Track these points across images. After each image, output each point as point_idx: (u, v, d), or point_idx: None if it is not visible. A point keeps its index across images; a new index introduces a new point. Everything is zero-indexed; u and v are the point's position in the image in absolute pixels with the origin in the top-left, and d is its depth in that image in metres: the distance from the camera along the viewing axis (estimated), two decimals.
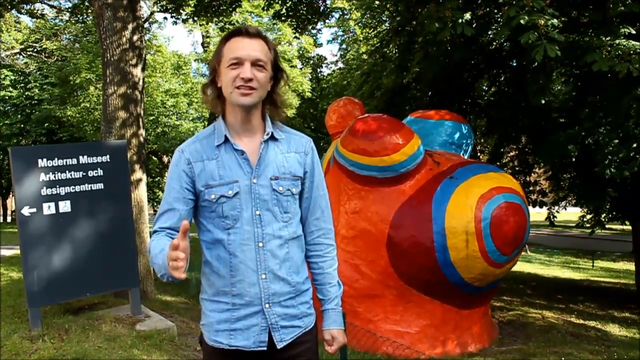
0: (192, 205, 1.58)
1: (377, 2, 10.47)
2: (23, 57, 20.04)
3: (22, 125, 20.59)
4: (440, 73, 7.59)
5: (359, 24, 16.87)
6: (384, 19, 11.33)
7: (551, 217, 9.01)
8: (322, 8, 9.64)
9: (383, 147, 4.44)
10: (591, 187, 7.07)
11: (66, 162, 4.25)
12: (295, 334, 1.60)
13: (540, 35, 4.47)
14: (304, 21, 9.39)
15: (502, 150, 8.72)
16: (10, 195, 26.53)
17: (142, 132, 6.07)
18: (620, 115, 5.43)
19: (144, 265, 5.78)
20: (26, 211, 4.05)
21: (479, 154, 9.89)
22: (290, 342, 1.59)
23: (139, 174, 5.97)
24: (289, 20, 9.32)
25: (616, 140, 5.68)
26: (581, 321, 6.16)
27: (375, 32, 11.42)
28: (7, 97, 20.03)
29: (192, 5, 9.10)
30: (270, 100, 1.61)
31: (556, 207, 9.81)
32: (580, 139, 6.39)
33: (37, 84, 19.68)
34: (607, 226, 9.96)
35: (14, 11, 12.64)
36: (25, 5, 11.20)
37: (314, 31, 18.71)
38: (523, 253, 11.95)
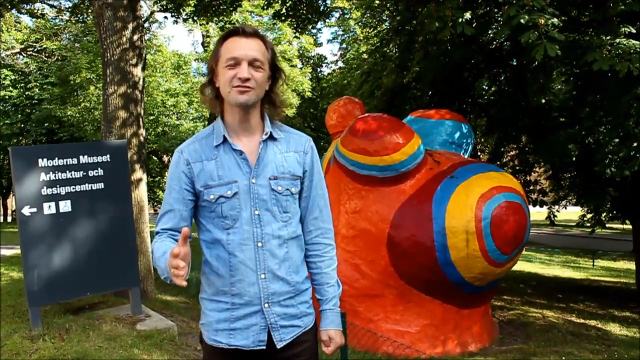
0: (193, 206, 1.58)
1: (377, 2, 10.47)
2: (23, 56, 20.06)
3: (22, 125, 20.59)
4: (440, 72, 7.59)
5: (359, 24, 16.89)
6: (384, 18, 11.33)
7: (551, 216, 9.00)
8: (322, 7, 9.64)
9: (383, 146, 4.44)
10: (591, 187, 7.07)
11: (66, 161, 4.25)
12: (295, 334, 1.60)
13: (540, 34, 4.47)
14: (304, 21, 9.38)
15: (502, 149, 8.72)
16: (11, 195, 26.53)
17: (142, 131, 6.07)
18: (621, 114, 5.43)
19: (144, 264, 5.78)
20: (26, 211, 4.05)
21: (479, 154, 9.89)
22: (290, 341, 1.59)
23: (139, 173, 5.97)
24: (289, 20, 9.32)
25: (616, 140, 5.67)
26: (581, 320, 6.15)
27: (376, 31, 11.42)
28: (7, 97, 20.01)
29: (192, 4, 9.10)
30: (269, 100, 1.61)
31: (556, 207, 9.80)
32: (580, 138, 6.38)
33: (37, 84, 19.67)
34: (607, 225, 9.95)
35: (14, 11, 12.65)
36: (25, 5, 11.21)
37: (314, 31, 18.74)
38: None
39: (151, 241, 2.12)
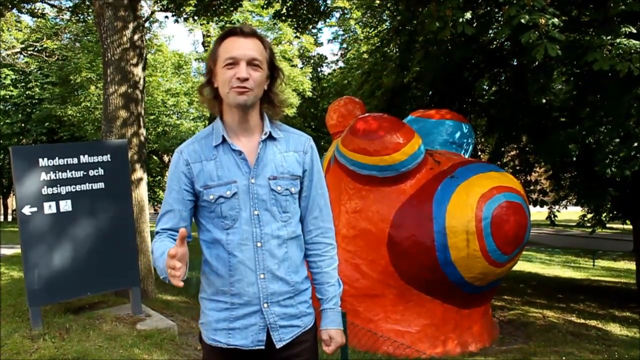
0: (192, 206, 1.59)
1: (377, 2, 10.46)
2: (24, 56, 20.05)
3: (22, 125, 20.60)
4: (440, 72, 7.59)
5: (360, 23, 16.88)
6: (385, 18, 11.32)
7: (552, 216, 9.00)
8: (322, 7, 9.63)
9: (384, 146, 4.44)
10: (592, 187, 7.06)
11: (67, 161, 4.26)
12: (295, 334, 1.60)
13: (540, 34, 4.47)
14: (305, 20, 9.38)
15: (502, 149, 8.72)
16: (11, 195, 26.55)
17: (142, 131, 6.07)
18: (621, 114, 5.43)
19: (144, 264, 5.79)
20: (27, 210, 4.06)
21: (479, 153, 9.88)
22: (289, 341, 1.59)
23: (139, 173, 5.97)
24: (290, 20, 9.32)
25: (617, 140, 5.67)
26: (582, 320, 6.15)
27: (376, 31, 11.41)
28: (7, 97, 20.03)
29: (193, 4, 9.10)
30: (268, 100, 1.60)
31: (557, 207, 9.78)
32: (580, 138, 6.38)
33: (38, 83, 19.68)
34: (607, 225, 9.94)
35: (14, 10, 12.65)
36: (26, 5, 11.21)
37: (314, 30, 18.73)
38: None
39: (151, 241, 2.12)
